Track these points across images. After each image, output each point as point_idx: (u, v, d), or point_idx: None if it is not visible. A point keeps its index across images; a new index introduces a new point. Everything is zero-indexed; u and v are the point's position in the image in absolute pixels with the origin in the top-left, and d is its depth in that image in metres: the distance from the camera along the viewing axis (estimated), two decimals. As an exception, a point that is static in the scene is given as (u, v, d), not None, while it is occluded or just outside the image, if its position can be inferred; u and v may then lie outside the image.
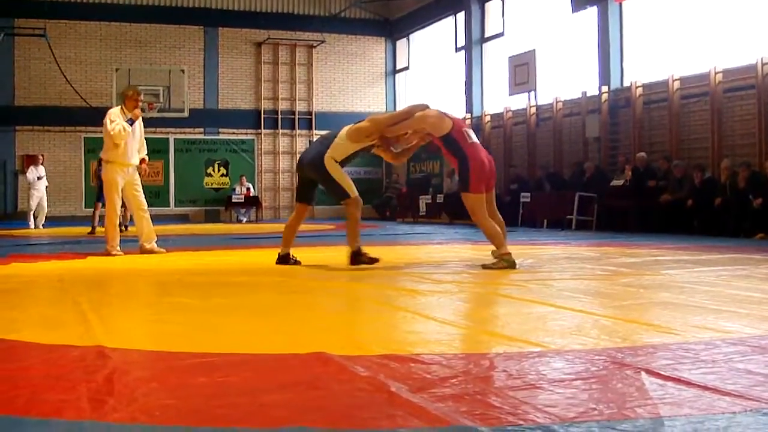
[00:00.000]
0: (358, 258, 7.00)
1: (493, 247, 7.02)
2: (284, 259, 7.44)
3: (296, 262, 7.43)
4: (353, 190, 7.11)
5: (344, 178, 7.11)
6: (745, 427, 2.13)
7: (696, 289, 5.10)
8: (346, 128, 7.24)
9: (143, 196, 9.35)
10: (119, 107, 9.23)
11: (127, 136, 8.97)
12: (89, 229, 15.00)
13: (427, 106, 7.24)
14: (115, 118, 8.98)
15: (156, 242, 9.38)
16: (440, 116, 7.03)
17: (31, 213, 17.58)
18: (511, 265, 6.76)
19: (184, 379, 2.75)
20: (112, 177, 9.06)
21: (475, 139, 7.12)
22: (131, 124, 9.08)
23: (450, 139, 6.95)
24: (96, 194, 15.38)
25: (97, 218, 14.75)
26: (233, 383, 2.67)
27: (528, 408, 2.31)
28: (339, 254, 8.82)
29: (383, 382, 2.61)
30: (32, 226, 17.28)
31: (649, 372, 2.73)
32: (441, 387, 2.57)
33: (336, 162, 7.07)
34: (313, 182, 7.40)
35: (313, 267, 7.35)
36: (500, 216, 7.25)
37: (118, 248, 9.10)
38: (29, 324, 4.05)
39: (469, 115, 20.74)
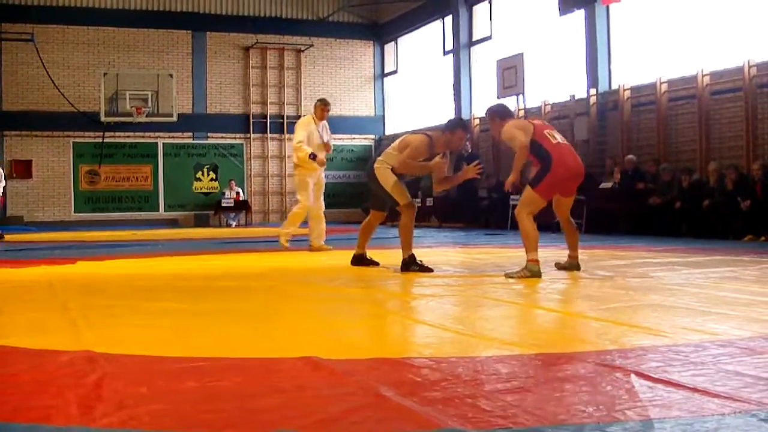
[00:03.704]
0: (408, 265, 6.90)
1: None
2: (359, 260, 7.45)
3: (373, 263, 7.46)
4: (404, 197, 7.05)
5: (395, 185, 7.03)
6: (734, 428, 2.14)
7: (685, 291, 5.12)
8: (399, 140, 7.18)
9: (323, 197, 10.29)
10: (311, 116, 10.40)
11: (303, 154, 9.88)
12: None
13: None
14: (305, 130, 10.05)
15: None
16: (523, 124, 6.75)
17: None
18: (535, 274, 6.21)
19: (173, 384, 2.74)
20: (302, 179, 10.11)
21: (560, 139, 6.75)
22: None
23: (535, 144, 6.56)
24: None
25: None
26: (223, 388, 2.66)
27: (517, 411, 2.32)
28: (332, 258, 8.82)
29: (373, 386, 2.61)
30: None
31: (638, 374, 2.73)
32: (431, 390, 2.57)
33: (388, 169, 7.04)
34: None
35: (306, 270, 7.33)
36: (574, 223, 6.98)
37: (286, 242, 10.25)
38: (17, 329, 4.02)
39: (458, 119, 20.75)
